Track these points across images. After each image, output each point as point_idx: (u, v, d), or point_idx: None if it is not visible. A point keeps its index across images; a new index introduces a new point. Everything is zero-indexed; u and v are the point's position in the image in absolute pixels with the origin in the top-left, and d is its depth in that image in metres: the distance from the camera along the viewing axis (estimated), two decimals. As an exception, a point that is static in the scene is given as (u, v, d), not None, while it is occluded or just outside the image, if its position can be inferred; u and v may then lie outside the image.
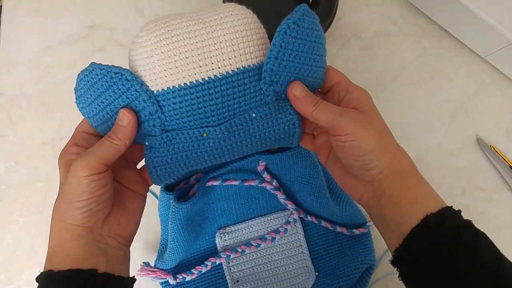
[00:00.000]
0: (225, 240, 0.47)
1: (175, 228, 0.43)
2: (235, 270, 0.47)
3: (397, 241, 0.31)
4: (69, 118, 0.57)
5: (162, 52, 0.31)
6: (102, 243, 0.32)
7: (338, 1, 0.56)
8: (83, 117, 0.35)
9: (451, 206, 0.31)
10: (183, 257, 0.47)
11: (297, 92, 0.33)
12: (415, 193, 0.31)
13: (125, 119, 0.32)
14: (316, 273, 0.46)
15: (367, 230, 0.48)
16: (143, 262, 0.46)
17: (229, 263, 0.47)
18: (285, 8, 0.54)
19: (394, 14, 0.60)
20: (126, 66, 0.33)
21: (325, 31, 0.56)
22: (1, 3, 0.63)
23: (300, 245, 0.47)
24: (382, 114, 0.35)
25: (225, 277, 0.47)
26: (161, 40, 0.31)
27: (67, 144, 0.34)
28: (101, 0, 0.62)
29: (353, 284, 0.46)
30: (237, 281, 0.47)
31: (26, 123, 0.58)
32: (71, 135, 0.35)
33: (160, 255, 0.48)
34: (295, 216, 0.47)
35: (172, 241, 0.44)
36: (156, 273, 0.46)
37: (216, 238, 0.47)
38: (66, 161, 0.33)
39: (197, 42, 0.31)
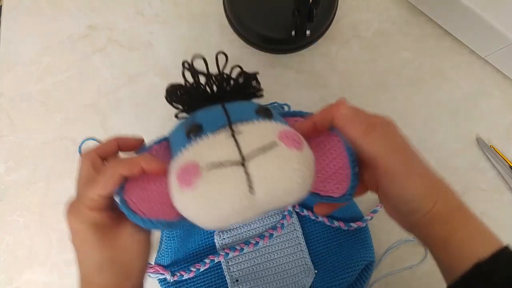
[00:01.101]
0: (223, 238, 0.47)
1: None
2: (234, 270, 0.47)
3: (449, 281, 0.29)
4: (69, 118, 0.57)
5: None
6: None
7: (338, 1, 0.56)
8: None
9: (507, 247, 0.28)
10: (179, 245, 0.46)
11: (344, 110, 0.30)
12: (461, 236, 0.29)
13: None
14: (315, 271, 0.46)
15: (364, 224, 0.48)
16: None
17: (228, 262, 0.47)
18: (285, 8, 0.54)
19: (394, 14, 0.60)
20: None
21: (325, 31, 0.56)
22: (1, 3, 0.63)
23: (299, 242, 0.47)
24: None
25: (224, 276, 0.47)
26: None
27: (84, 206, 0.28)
28: (101, 0, 0.62)
29: (352, 281, 0.46)
30: (237, 280, 0.47)
31: (26, 123, 0.58)
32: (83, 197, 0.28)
33: (159, 250, 0.49)
34: (290, 208, 0.47)
35: None
36: (154, 268, 0.46)
37: (215, 236, 0.47)
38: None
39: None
